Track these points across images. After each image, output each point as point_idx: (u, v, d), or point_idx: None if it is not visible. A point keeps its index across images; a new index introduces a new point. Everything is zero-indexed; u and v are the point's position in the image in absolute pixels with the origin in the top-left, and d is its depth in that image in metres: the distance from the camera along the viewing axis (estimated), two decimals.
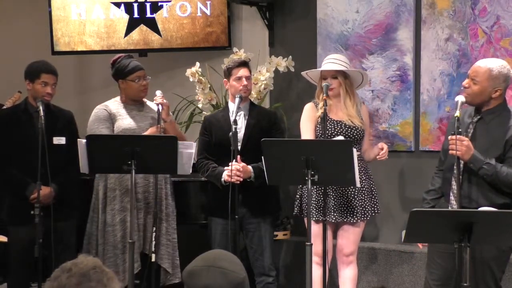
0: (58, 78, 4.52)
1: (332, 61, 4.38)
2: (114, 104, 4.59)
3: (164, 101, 4.38)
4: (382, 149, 4.38)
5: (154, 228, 4.30)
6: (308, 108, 4.48)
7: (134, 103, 4.56)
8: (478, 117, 3.76)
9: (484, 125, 3.75)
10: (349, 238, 4.38)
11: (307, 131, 4.42)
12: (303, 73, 4.51)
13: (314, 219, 4.36)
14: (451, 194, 3.75)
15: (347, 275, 4.42)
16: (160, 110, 4.33)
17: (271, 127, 4.50)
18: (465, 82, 3.76)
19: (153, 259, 4.30)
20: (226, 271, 2.08)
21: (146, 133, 4.40)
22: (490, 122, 3.74)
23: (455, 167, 3.72)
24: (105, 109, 4.56)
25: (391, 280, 5.03)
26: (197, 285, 2.06)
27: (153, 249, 4.29)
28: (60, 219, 4.29)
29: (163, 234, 4.49)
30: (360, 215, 4.32)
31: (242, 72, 4.44)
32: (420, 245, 4.01)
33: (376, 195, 4.43)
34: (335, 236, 4.43)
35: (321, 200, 4.29)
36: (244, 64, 4.49)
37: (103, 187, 4.54)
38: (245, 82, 4.42)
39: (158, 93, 4.41)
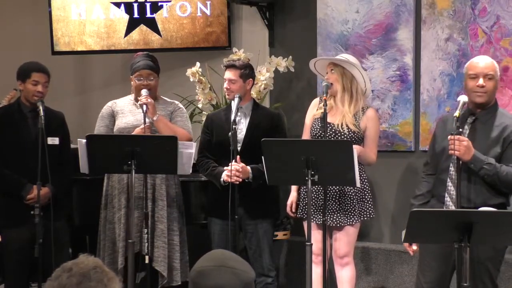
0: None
1: (340, 56, 4.41)
2: (124, 101, 4.61)
3: (149, 100, 4.34)
4: None
5: (146, 230, 4.28)
6: (311, 104, 4.51)
7: None
8: (473, 118, 3.77)
9: (481, 125, 3.77)
10: (341, 240, 4.35)
11: (304, 129, 4.49)
12: (311, 65, 4.49)
13: (301, 216, 4.40)
14: (446, 195, 3.75)
15: (344, 276, 4.39)
16: (145, 110, 4.30)
17: (273, 129, 4.48)
18: (481, 82, 3.73)
19: (146, 261, 4.27)
20: (237, 271, 2.07)
21: (132, 133, 4.39)
22: (486, 122, 3.78)
23: (451, 168, 3.73)
24: (110, 107, 4.60)
25: (391, 280, 5.03)
26: (208, 285, 2.04)
27: (145, 250, 4.26)
28: (54, 219, 4.28)
29: (157, 236, 4.46)
30: (347, 219, 4.29)
31: (226, 74, 4.48)
32: (411, 251, 3.93)
33: (370, 199, 4.38)
34: (330, 236, 4.43)
35: (316, 201, 4.31)
36: (230, 66, 4.48)
37: (106, 184, 4.57)
38: (225, 85, 4.47)
39: (143, 92, 4.37)
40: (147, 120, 4.28)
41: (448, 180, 3.75)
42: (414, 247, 3.89)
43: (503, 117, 3.81)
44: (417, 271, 4.01)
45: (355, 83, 4.32)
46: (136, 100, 4.53)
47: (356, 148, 4.02)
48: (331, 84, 4.28)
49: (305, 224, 4.31)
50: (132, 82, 4.55)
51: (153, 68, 4.51)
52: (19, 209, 4.33)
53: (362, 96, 4.37)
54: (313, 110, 4.45)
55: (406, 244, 3.90)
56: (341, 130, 4.29)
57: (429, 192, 3.93)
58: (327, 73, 4.36)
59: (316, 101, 4.50)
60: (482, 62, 3.80)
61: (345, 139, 4.25)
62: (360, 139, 4.32)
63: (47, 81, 4.44)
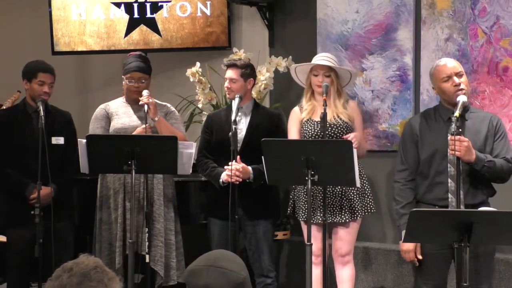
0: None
1: (324, 58, 4.41)
2: (116, 103, 4.62)
3: (150, 100, 4.35)
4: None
5: (147, 229, 4.28)
6: (292, 112, 4.53)
7: (134, 102, 4.55)
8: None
9: (466, 122, 3.84)
10: (343, 238, 4.36)
11: (291, 136, 4.45)
12: (292, 68, 4.53)
13: (302, 219, 4.39)
14: (450, 196, 3.75)
15: (344, 275, 4.40)
16: (146, 110, 4.31)
17: (273, 129, 4.49)
18: (457, 81, 3.81)
19: (147, 260, 4.28)
20: (226, 271, 2.08)
21: (133, 133, 4.39)
22: (470, 118, 3.86)
23: (449, 168, 3.73)
24: (103, 108, 4.60)
25: (391, 280, 5.03)
26: (197, 284, 2.07)
27: (146, 250, 4.27)
28: (57, 219, 4.29)
29: (154, 235, 4.46)
30: (350, 215, 4.30)
31: (227, 73, 4.48)
32: (416, 262, 3.91)
33: (370, 194, 4.41)
34: (329, 236, 4.43)
35: (315, 201, 4.30)
36: (231, 65, 4.48)
37: (100, 186, 4.57)
38: (226, 84, 4.47)
39: (145, 92, 4.39)
40: (148, 120, 4.30)
41: (450, 181, 3.75)
42: (420, 256, 3.87)
43: (480, 112, 4.02)
44: (417, 279, 3.99)
45: (342, 81, 4.44)
46: (128, 101, 4.54)
47: (355, 136, 4.14)
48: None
49: (304, 224, 4.32)
50: (123, 82, 4.56)
51: (144, 71, 4.51)
52: (22, 209, 4.34)
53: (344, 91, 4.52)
54: (295, 116, 4.48)
55: (411, 256, 3.88)
56: (336, 123, 4.34)
57: (415, 198, 3.95)
58: (316, 75, 4.37)
59: (296, 109, 4.51)
60: (448, 63, 3.89)
61: (342, 131, 4.32)
62: (351, 130, 4.38)
63: (52, 81, 4.45)
